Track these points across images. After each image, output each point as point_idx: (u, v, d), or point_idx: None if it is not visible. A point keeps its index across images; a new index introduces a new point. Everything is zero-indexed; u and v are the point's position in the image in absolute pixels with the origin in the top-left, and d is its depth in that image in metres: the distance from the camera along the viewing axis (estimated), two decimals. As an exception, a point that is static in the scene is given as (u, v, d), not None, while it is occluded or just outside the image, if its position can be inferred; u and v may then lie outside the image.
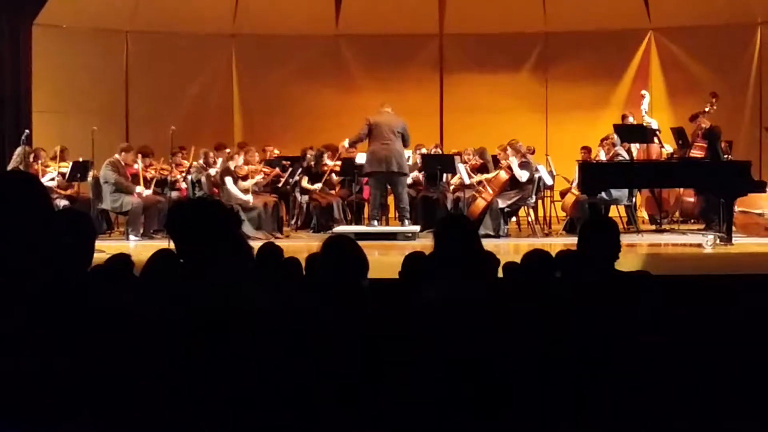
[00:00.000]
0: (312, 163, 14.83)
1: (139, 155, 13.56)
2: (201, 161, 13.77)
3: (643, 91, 14.64)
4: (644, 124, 13.77)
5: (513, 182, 13.17)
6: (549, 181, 14.03)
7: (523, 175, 13.06)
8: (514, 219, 14.00)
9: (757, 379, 4.12)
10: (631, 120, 14.27)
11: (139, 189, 13.30)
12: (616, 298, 4.21)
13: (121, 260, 4.98)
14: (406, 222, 13.19)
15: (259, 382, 3.23)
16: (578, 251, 4.50)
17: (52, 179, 13.33)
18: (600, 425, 3.79)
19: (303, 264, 5.45)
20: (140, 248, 11.48)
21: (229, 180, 13.31)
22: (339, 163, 14.67)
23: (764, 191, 11.99)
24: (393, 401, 3.64)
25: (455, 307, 3.98)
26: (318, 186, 14.46)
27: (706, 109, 13.59)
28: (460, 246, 4.34)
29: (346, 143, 13.60)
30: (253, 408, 3.18)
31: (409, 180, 14.20)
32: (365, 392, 3.60)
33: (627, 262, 4.40)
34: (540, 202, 14.12)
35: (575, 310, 4.12)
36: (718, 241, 11.30)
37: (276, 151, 15.72)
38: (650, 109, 14.23)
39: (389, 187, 13.54)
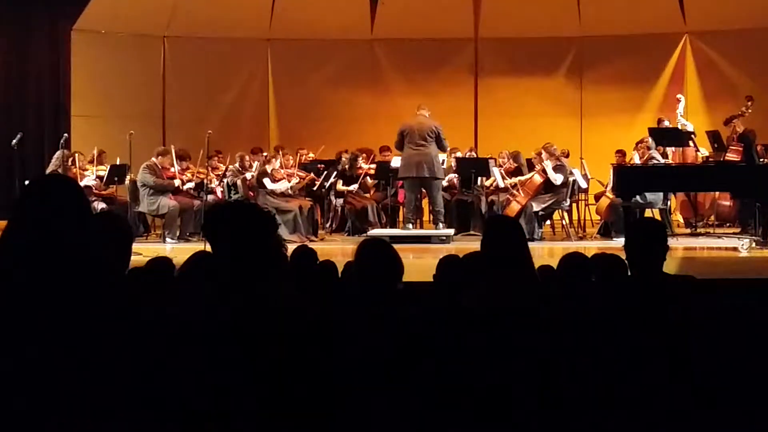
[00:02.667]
0: (347, 166, 14.87)
1: (176, 158, 13.67)
2: (237, 165, 13.86)
3: (679, 95, 14.59)
4: (679, 127, 13.72)
5: (547, 186, 13.16)
6: (583, 184, 14.02)
7: (557, 179, 13.04)
8: (548, 222, 13.97)
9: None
10: (666, 124, 14.20)
11: (177, 182, 13.42)
12: (666, 302, 4.20)
13: (162, 263, 5.04)
14: (440, 225, 13.22)
15: (292, 384, 3.26)
16: (626, 253, 4.48)
17: (90, 182, 13.45)
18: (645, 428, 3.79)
19: (339, 268, 5.48)
20: (177, 251, 11.57)
21: (267, 181, 13.42)
22: (374, 166, 14.72)
23: (800, 195, 11.91)
24: (427, 403, 3.67)
25: (501, 311, 3.99)
26: (354, 187, 14.50)
27: (742, 112, 13.52)
28: (510, 249, 4.35)
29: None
30: (287, 409, 3.21)
31: (444, 183, 14.23)
32: (399, 393, 3.62)
33: (663, 266, 4.40)
34: (574, 205, 14.12)
35: (622, 314, 4.11)
36: (753, 245, 11.25)
37: (311, 155, 15.79)
38: (685, 113, 14.17)
39: (424, 190, 13.60)
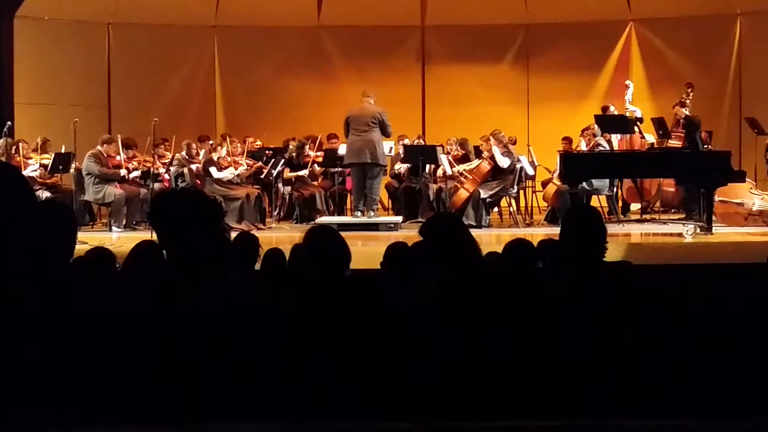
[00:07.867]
0: (294, 154, 14.84)
1: (122, 147, 13.55)
2: (184, 153, 13.78)
3: (627, 81, 14.72)
4: (627, 114, 13.84)
5: (495, 172, 13.20)
6: (530, 171, 14.09)
7: (504, 162, 13.07)
8: (495, 209, 14.04)
9: (737, 366, 4.14)
10: (612, 111, 14.31)
11: (124, 172, 13.34)
12: (598, 289, 4.21)
13: (101, 253, 4.99)
14: (371, 213, 13.12)
15: (244, 372, 3.24)
16: (560, 242, 4.49)
17: (35, 171, 13.29)
18: (591, 418, 3.81)
19: (287, 255, 5.47)
20: (123, 239, 11.47)
21: (213, 170, 13.34)
22: (321, 153, 14.70)
23: (744, 181, 12.08)
24: (377, 391, 3.67)
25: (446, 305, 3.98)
26: (305, 172, 14.48)
27: (683, 99, 13.66)
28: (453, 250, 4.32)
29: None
30: (238, 399, 3.20)
31: (402, 169, 14.31)
32: (347, 383, 3.62)
33: (608, 252, 4.42)
34: (521, 192, 14.19)
35: (558, 302, 4.12)
36: (698, 231, 11.38)
37: (258, 143, 15.71)
38: (632, 100, 14.30)
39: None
